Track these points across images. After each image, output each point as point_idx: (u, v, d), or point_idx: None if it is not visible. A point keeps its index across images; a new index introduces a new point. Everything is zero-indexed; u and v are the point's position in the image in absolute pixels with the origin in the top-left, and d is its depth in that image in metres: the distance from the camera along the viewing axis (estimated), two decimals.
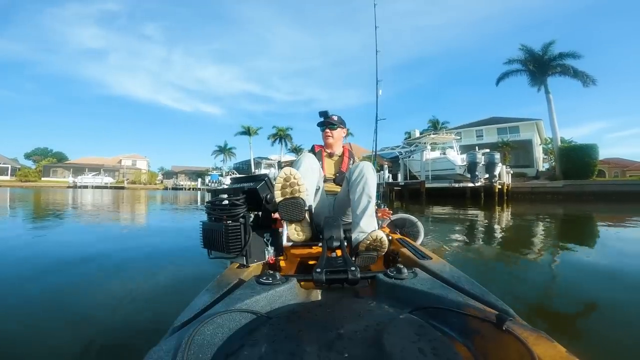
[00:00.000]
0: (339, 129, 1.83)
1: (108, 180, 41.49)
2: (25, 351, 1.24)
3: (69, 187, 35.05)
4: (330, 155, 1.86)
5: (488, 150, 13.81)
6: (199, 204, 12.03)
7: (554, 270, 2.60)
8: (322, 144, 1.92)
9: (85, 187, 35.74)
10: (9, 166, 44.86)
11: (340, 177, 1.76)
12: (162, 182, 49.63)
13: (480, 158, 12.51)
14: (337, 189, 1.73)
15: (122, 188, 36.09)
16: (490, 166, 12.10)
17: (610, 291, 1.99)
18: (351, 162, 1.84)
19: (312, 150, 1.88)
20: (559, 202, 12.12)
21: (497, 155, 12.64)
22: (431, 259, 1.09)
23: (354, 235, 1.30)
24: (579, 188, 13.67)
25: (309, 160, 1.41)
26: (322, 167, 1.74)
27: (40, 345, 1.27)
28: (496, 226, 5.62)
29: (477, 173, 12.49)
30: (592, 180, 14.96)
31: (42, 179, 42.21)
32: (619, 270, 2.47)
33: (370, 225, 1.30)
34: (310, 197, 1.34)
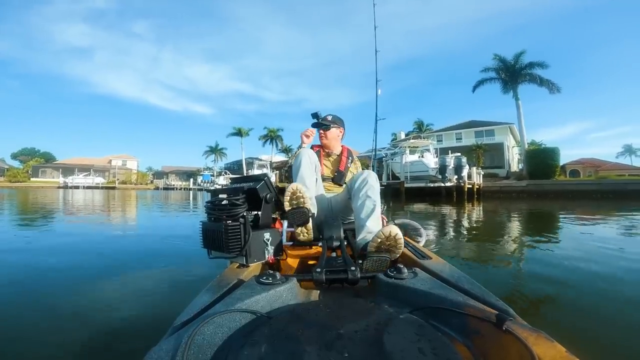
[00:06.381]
0: (333, 128, 1.78)
1: (99, 180, 40.66)
2: (25, 352, 1.20)
3: (59, 187, 34.28)
4: (328, 155, 1.83)
5: (459, 154, 15.19)
6: (191, 202, 12.39)
7: (497, 243, 3.58)
8: (320, 143, 1.88)
9: (77, 187, 35.00)
10: None
11: (338, 176, 1.75)
12: (152, 182, 48.91)
13: (450, 161, 13.62)
14: (335, 188, 1.73)
15: (114, 188, 35.45)
16: (458, 168, 13.32)
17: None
18: (349, 161, 1.82)
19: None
20: (522, 200, 13.00)
21: (464, 159, 13.90)
22: (431, 258, 1.08)
23: (359, 238, 1.22)
24: (540, 187, 14.73)
25: (306, 157, 1.48)
26: (321, 166, 1.73)
27: (39, 346, 1.24)
28: (462, 217, 6.81)
29: (447, 174, 13.55)
30: (552, 180, 16.06)
31: (31, 179, 41.06)
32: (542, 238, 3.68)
33: (377, 226, 1.24)
34: (312, 192, 1.44)
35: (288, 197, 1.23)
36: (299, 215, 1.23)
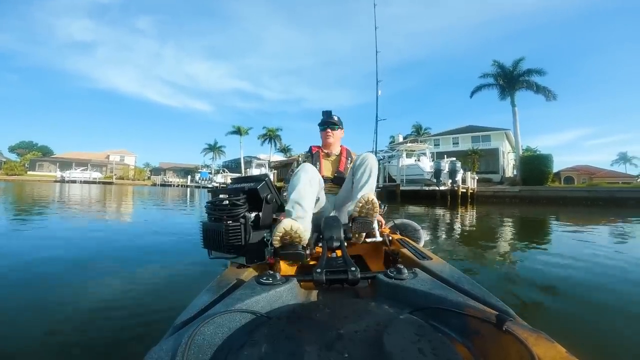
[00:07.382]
0: (339, 129, 1.81)
1: (96, 175, 40.36)
2: (23, 352, 1.18)
3: (56, 181, 33.86)
4: (328, 155, 1.83)
5: (454, 158, 15.44)
6: (188, 199, 12.38)
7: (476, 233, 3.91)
8: (319, 144, 1.88)
9: (74, 181, 34.67)
10: None
11: (338, 178, 1.75)
12: (149, 178, 48.65)
13: (444, 166, 13.86)
14: (336, 188, 1.73)
15: (111, 183, 35.33)
16: (452, 173, 13.47)
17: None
18: (349, 161, 1.82)
19: (310, 151, 1.84)
20: (515, 205, 13.07)
21: (459, 164, 14.07)
22: (431, 259, 1.08)
23: (350, 208, 1.33)
24: (533, 193, 14.86)
25: (306, 175, 1.31)
26: (320, 167, 1.74)
27: (37, 346, 1.22)
28: (455, 219, 7.06)
29: (441, 178, 13.76)
30: (545, 186, 16.23)
31: (29, 173, 40.56)
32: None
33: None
34: (309, 217, 1.25)
35: (279, 236, 1.04)
36: (291, 256, 1.08)
